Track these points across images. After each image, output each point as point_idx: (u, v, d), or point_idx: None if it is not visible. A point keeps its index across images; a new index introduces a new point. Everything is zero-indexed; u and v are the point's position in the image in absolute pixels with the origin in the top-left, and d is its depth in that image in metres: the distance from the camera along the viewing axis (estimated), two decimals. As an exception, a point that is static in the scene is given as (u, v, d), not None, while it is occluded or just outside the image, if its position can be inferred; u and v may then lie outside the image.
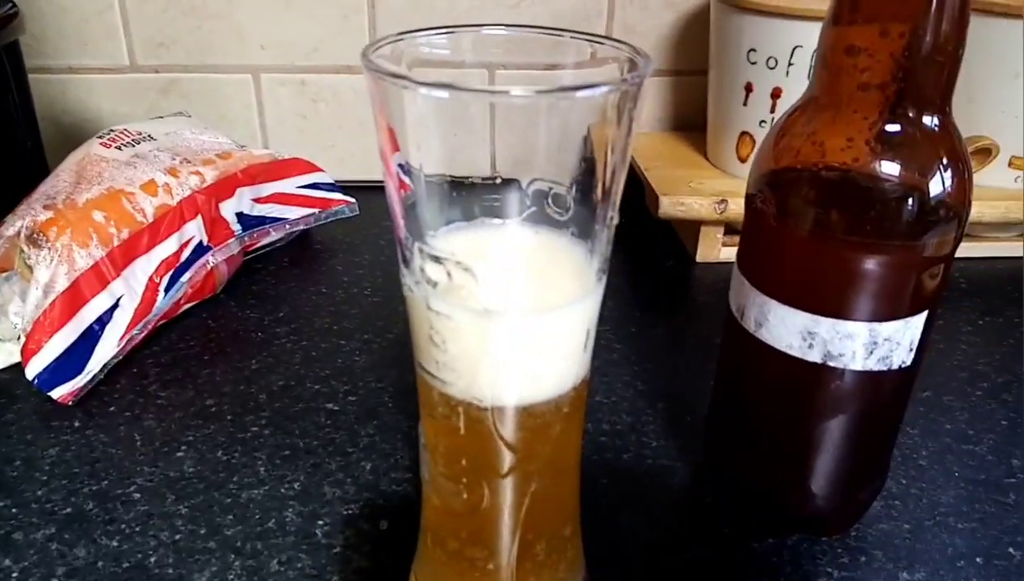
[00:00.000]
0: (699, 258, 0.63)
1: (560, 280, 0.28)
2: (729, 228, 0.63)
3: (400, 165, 0.27)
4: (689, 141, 0.71)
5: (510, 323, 0.26)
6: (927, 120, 0.31)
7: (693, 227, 0.63)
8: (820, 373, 0.34)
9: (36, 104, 0.71)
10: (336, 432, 0.45)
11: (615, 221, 0.27)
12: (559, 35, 0.29)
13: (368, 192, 0.68)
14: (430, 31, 0.29)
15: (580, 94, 0.23)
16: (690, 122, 0.74)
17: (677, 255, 0.65)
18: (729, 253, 0.63)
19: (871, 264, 0.32)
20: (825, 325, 0.33)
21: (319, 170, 0.65)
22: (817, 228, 0.32)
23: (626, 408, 0.47)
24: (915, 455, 0.45)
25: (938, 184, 0.31)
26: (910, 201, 0.31)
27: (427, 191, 0.28)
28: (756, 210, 0.35)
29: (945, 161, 0.32)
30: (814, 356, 0.34)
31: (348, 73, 0.71)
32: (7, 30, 0.46)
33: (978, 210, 0.52)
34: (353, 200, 0.66)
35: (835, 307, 0.33)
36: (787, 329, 0.34)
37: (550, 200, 0.28)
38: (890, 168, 0.31)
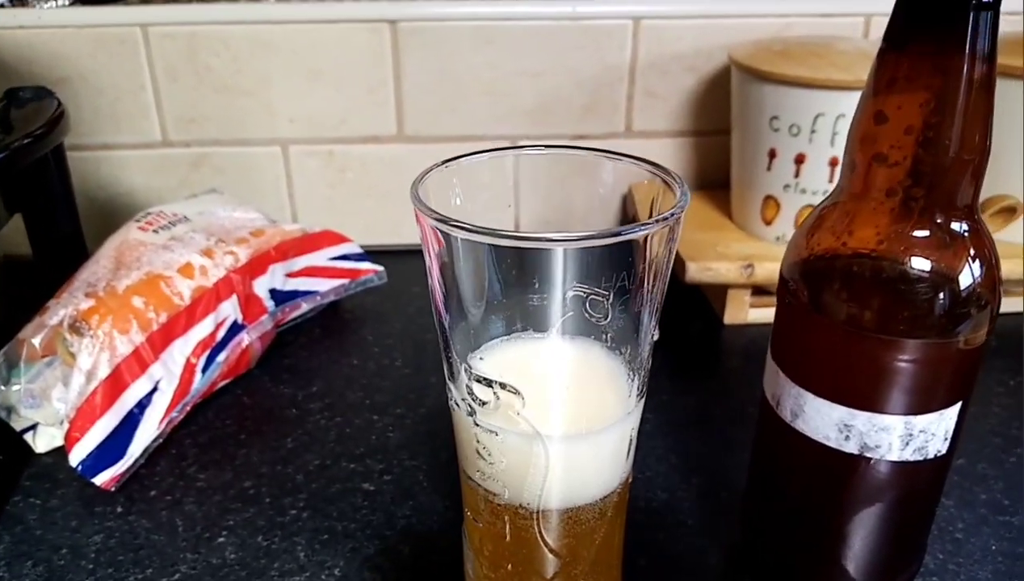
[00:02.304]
0: (727, 320, 0.63)
1: (603, 401, 0.29)
2: (756, 290, 0.63)
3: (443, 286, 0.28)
4: (712, 201, 0.72)
5: (556, 441, 0.27)
6: (956, 220, 0.32)
7: (720, 290, 0.63)
8: (857, 463, 0.35)
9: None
10: (373, 514, 0.46)
11: (655, 337, 0.28)
12: (598, 156, 0.30)
13: (396, 257, 0.70)
14: (473, 155, 0.30)
15: (623, 237, 0.24)
16: (712, 181, 0.75)
17: (705, 317, 0.65)
18: (757, 314, 0.63)
19: (905, 360, 0.32)
20: (861, 418, 0.33)
21: (348, 241, 0.66)
22: (850, 324, 0.33)
23: (661, 484, 0.47)
24: (951, 528, 0.45)
25: (968, 277, 0.32)
26: (942, 298, 0.32)
27: (469, 286, 0.28)
28: (789, 300, 0.35)
29: (973, 253, 0.32)
30: (851, 448, 0.34)
31: (375, 143, 0.73)
32: (55, 133, 0.48)
33: (1006, 268, 0.52)
34: (382, 268, 0.67)
35: (871, 401, 0.33)
36: (823, 421, 0.34)
37: (588, 305, 0.29)
38: (921, 265, 0.32)
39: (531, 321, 0.30)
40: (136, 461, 0.48)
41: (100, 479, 0.47)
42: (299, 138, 0.73)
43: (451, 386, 0.28)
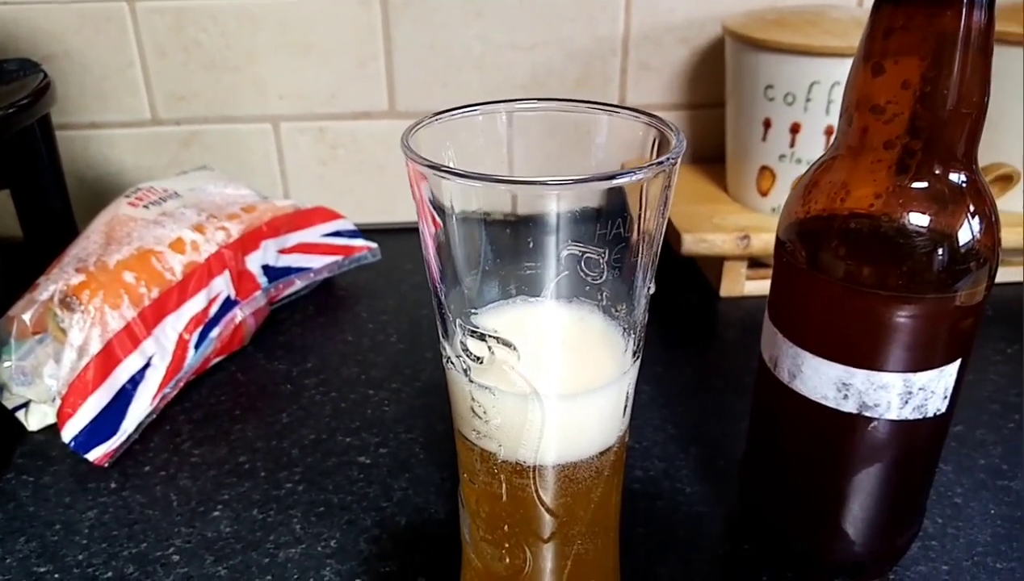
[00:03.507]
0: (723, 293, 0.63)
1: (599, 359, 0.28)
2: (752, 262, 0.63)
3: (438, 242, 0.27)
4: (707, 174, 0.72)
5: (551, 398, 0.26)
6: (954, 172, 0.31)
7: (716, 262, 0.63)
8: (855, 423, 0.34)
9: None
10: (369, 486, 0.45)
11: (651, 290, 0.27)
12: (592, 109, 0.29)
13: (388, 235, 0.70)
14: (465, 109, 0.30)
15: (617, 181, 0.24)
16: (707, 154, 0.75)
17: (700, 290, 0.65)
18: (753, 287, 0.63)
19: (904, 316, 0.32)
20: (860, 377, 0.33)
21: (340, 217, 0.66)
22: (848, 281, 0.32)
23: (658, 453, 0.47)
24: (950, 493, 0.45)
25: (967, 234, 0.31)
26: (940, 253, 0.31)
27: (463, 254, 0.28)
28: (786, 259, 0.35)
29: (973, 210, 0.32)
30: (849, 407, 0.34)
31: (366, 119, 0.72)
32: (40, 104, 0.47)
33: (1006, 237, 0.52)
34: (375, 245, 0.66)
35: (869, 359, 0.33)
36: (821, 380, 0.34)
37: (583, 264, 0.29)
38: (919, 221, 0.31)
39: (526, 285, 0.29)
40: (129, 437, 0.48)
41: (93, 455, 0.46)
42: (290, 115, 0.72)
43: (445, 344, 0.28)
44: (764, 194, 0.63)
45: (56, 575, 0.40)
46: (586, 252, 0.28)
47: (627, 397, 0.29)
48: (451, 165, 0.30)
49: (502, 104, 0.30)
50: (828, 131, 0.59)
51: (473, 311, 0.27)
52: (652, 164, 0.24)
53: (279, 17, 0.68)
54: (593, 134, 0.32)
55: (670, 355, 0.57)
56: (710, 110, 0.73)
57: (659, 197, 0.26)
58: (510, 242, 0.28)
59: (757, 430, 0.40)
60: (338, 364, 0.56)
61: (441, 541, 0.41)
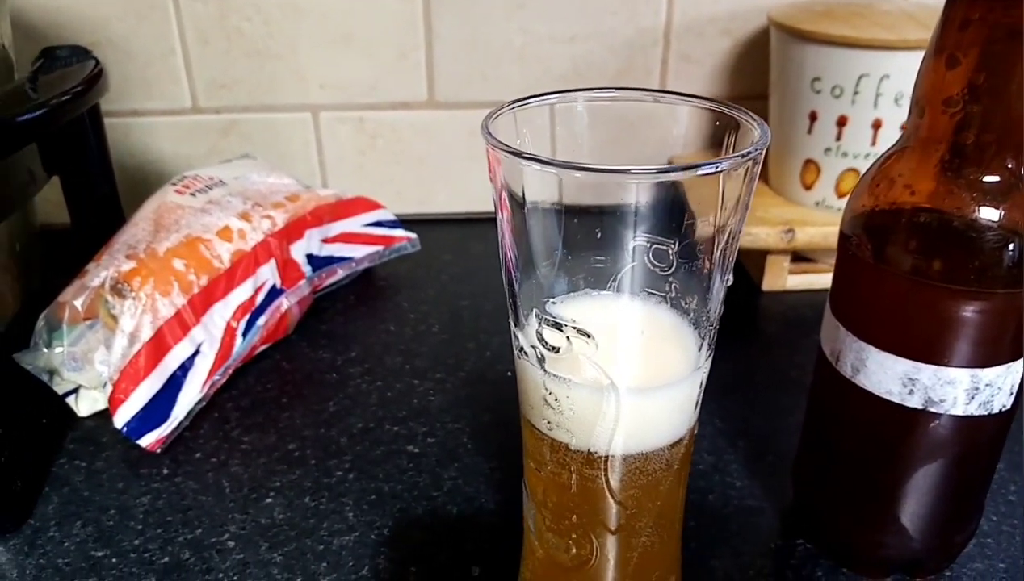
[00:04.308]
0: (766, 287, 0.63)
1: (673, 353, 0.28)
2: (796, 256, 0.63)
3: (513, 232, 0.27)
4: (747, 167, 0.71)
5: (627, 390, 0.26)
6: (1030, 166, 0.31)
7: (759, 256, 0.62)
8: (919, 418, 0.34)
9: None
10: (419, 475, 0.45)
11: (729, 282, 0.27)
12: (671, 99, 0.29)
13: (427, 226, 0.70)
14: (544, 96, 0.30)
15: (701, 172, 0.24)
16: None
17: (742, 283, 0.64)
18: (796, 281, 0.63)
19: (973, 312, 0.31)
20: (926, 372, 0.33)
21: (381, 207, 0.66)
22: (917, 275, 0.32)
23: (707, 447, 0.47)
24: (1004, 490, 0.44)
25: (1040, 228, 0.31)
26: (1011, 248, 0.31)
27: (539, 242, 0.28)
28: (851, 252, 0.35)
29: (1046, 204, 0.31)
30: (914, 402, 0.34)
31: (405, 109, 0.72)
32: (93, 91, 0.48)
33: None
34: (415, 236, 0.66)
35: (937, 354, 0.33)
36: (886, 375, 0.34)
37: (651, 255, 0.28)
38: (990, 215, 0.31)
39: (593, 276, 0.29)
40: (180, 423, 0.48)
41: (145, 441, 0.47)
42: (329, 104, 0.72)
43: (517, 334, 0.28)
44: (808, 188, 0.63)
45: (113, 559, 0.40)
46: (655, 243, 0.28)
47: (700, 390, 0.28)
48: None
49: (579, 92, 0.30)
50: (876, 125, 0.58)
51: (551, 300, 0.27)
52: (737, 156, 0.24)
53: (321, 7, 0.68)
54: (666, 124, 0.32)
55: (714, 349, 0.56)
56: (752, 102, 0.73)
57: (740, 189, 0.26)
58: (581, 231, 0.28)
59: (814, 424, 0.40)
60: (381, 353, 0.57)
61: (493, 530, 0.42)
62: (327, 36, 0.69)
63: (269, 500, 0.44)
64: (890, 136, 0.58)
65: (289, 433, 0.49)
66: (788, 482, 0.43)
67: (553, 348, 0.26)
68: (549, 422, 0.28)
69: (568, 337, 0.26)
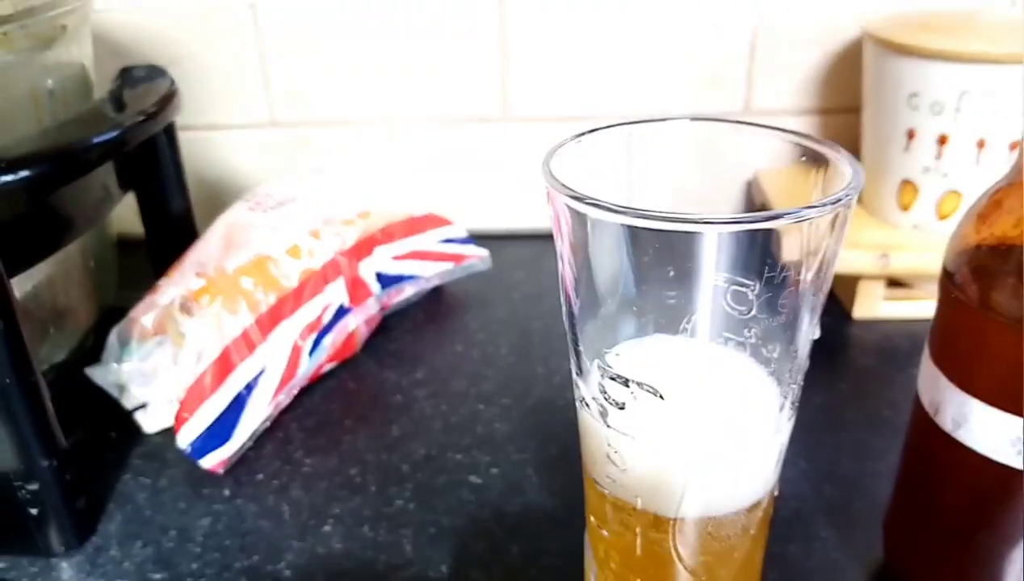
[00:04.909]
0: (856, 315, 0.59)
1: (751, 416, 0.26)
2: (890, 281, 0.59)
3: (575, 277, 0.25)
4: (838, 185, 0.67)
5: (697, 450, 0.24)
6: None
7: (850, 281, 0.59)
8: (1031, 482, 0.30)
9: (183, 162, 0.74)
10: (480, 509, 0.44)
11: (816, 335, 0.25)
12: (753, 131, 0.27)
13: (499, 242, 0.68)
14: (610, 128, 0.27)
15: (783, 222, 0.21)
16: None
17: (832, 310, 0.61)
18: (890, 309, 0.59)
19: (1100, 367, 0.28)
20: (1041, 432, 0.29)
21: (452, 224, 0.65)
22: (1032, 322, 0.29)
23: (790, 491, 0.44)
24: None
25: None
26: None
27: (602, 282, 0.26)
28: (954, 293, 0.31)
29: None
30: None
31: (480, 123, 0.71)
32: (167, 111, 0.48)
33: None
34: (486, 253, 0.65)
35: (1053, 411, 0.29)
36: (993, 433, 0.30)
37: (729, 298, 0.26)
38: (1123, 258, 0.27)
39: (664, 318, 0.27)
40: (244, 444, 0.48)
41: (208, 461, 0.46)
42: (405, 118, 0.71)
43: (579, 383, 0.26)
44: (905, 209, 0.58)
45: (170, 584, 0.40)
46: (733, 284, 0.25)
47: (780, 453, 0.26)
48: (586, 177, 0.28)
49: (640, 124, 0.28)
50: (980, 144, 0.54)
51: (614, 352, 0.25)
52: (825, 203, 0.22)
53: (397, 23, 0.67)
54: (748, 150, 0.30)
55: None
56: (843, 116, 0.69)
57: (828, 233, 0.23)
58: (650, 268, 0.26)
59: (908, 481, 0.36)
60: (448, 376, 0.55)
61: (556, 575, 0.39)
62: (402, 51, 0.69)
63: (328, 528, 0.43)
64: (995, 157, 0.54)
65: (351, 457, 0.48)
66: (878, 536, 0.39)
67: (617, 404, 0.24)
68: (612, 479, 0.26)
69: (633, 394, 0.24)
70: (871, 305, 0.58)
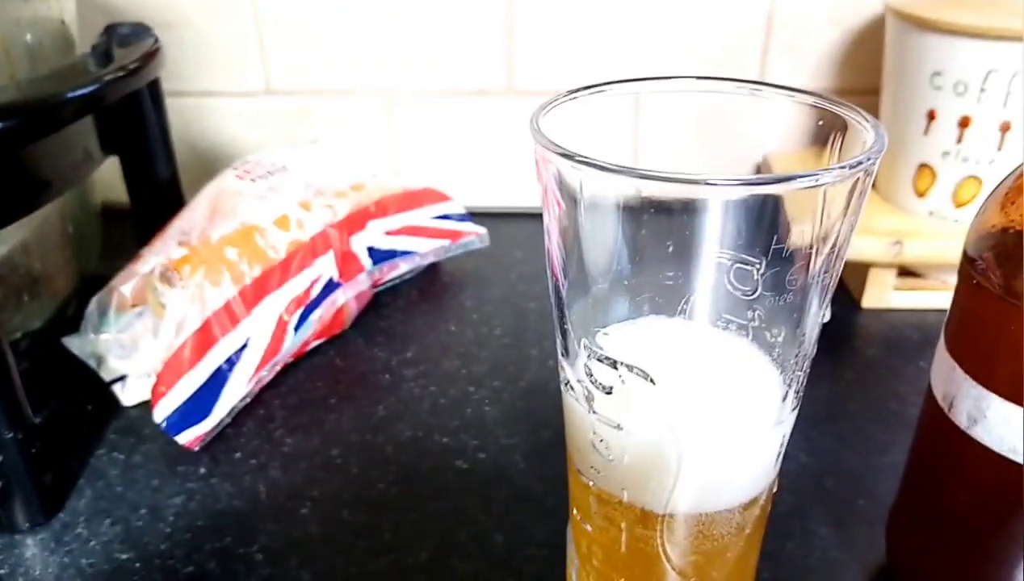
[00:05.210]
0: (865, 304, 0.57)
1: (751, 403, 0.23)
2: (902, 270, 0.56)
3: (563, 245, 0.23)
4: (851, 170, 0.65)
5: (690, 441, 0.22)
6: None
7: (860, 269, 0.56)
8: (1051, 484, 0.28)
9: (172, 129, 0.72)
10: (465, 496, 0.42)
11: (826, 318, 0.22)
12: (768, 92, 0.24)
13: (498, 220, 0.66)
14: (606, 85, 0.25)
15: (797, 185, 0.19)
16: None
17: (840, 298, 0.58)
18: (901, 299, 0.56)
19: None
20: (1065, 431, 0.27)
21: (449, 200, 0.62)
22: (1059, 313, 0.26)
23: (789, 485, 0.42)
24: None
25: None
26: None
27: (593, 254, 0.24)
28: (976, 279, 0.29)
29: None
30: (1046, 465, 0.28)
31: (483, 96, 0.69)
32: (149, 68, 0.46)
33: None
34: (484, 230, 0.63)
35: (1079, 409, 0.27)
36: (1010, 430, 0.28)
37: (732, 276, 0.24)
38: None
39: (661, 297, 0.25)
40: (222, 421, 0.46)
41: (184, 438, 0.44)
42: (405, 90, 0.69)
43: (564, 365, 0.24)
44: (921, 195, 0.56)
45: (137, 564, 0.38)
46: (737, 261, 0.23)
47: (781, 446, 0.24)
48: (583, 150, 0.26)
49: (639, 82, 0.25)
50: (1004, 127, 0.51)
51: (602, 331, 0.23)
52: (844, 165, 0.19)
53: (399, -14, 0.65)
54: (761, 119, 0.27)
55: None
56: (862, 97, 0.66)
57: (846, 205, 0.21)
58: (647, 243, 0.24)
59: (917, 475, 0.34)
60: (439, 355, 0.53)
61: (542, 566, 0.37)
62: (405, 18, 0.66)
63: (305, 511, 0.41)
64: (1019, 141, 0.51)
65: (334, 437, 0.46)
66: (880, 534, 0.37)
67: (604, 388, 0.22)
68: (597, 470, 0.24)
69: (621, 377, 0.22)
70: (881, 294, 0.56)
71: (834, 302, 0.57)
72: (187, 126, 0.71)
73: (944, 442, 0.31)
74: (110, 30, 0.50)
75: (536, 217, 0.72)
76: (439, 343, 0.54)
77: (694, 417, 0.22)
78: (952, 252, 0.54)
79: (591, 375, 0.22)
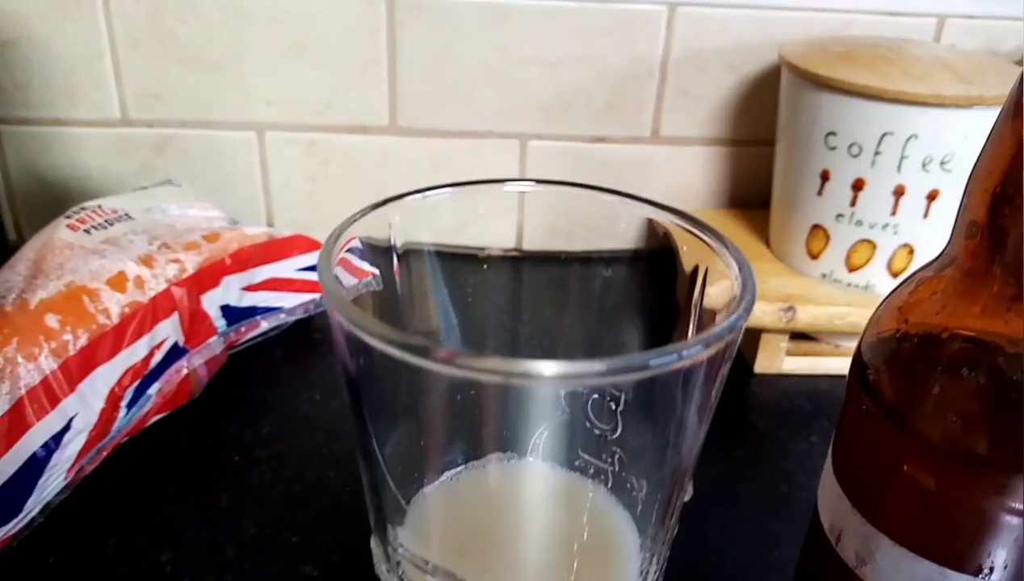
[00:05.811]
0: (758, 369, 0.54)
1: (600, 569, 0.19)
2: (795, 334, 0.54)
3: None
4: (748, 223, 0.62)
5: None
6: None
7: (752, 333, 0.54)
8: (944, 635, 0.25)
9: (17, 159, 0.64)
10: (313, 609, 0.37)
11: (687, 496, 0.19)
12: (630, 203, 0.21)
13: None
14: (433, 190, 0.21)
15: (651, 371, 0.15)
16: (749, 199, 0.66)
17: (733, 362, 0.56)
18: (794, 364, 0.54)
19: (1033, 513, 0.23)
20: (958, 583, 0.24)
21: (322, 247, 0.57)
22: (953, 449, 0.23)
23: (670, 589, 0.38)
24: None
25: None
26: (1094, 430, 0.22)
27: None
28: (863, 397, 0.26)
29: None
30: (939, 616, 0.25)
31: (363, 133, 0.64)
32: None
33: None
34: (376, 272, 0.57)
35: (973, 559, 0.24)
36: (902, 577, 0.25)
37: (590, 408, 0.20)
38: (1068, 381, 0.22)
39: (503, 435, 0.21)
40: (34, 520, 0.40)
41: (-16, 542, 0.38)
42: (277, 123, 0.63)
43: (375, 544, 0.19)
44: (814, 257, 0.54)
45: None
46: (595, 392, 0.19)
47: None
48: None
49: (499, 184, 0.21)
50: (898, 192, 0.50)
51: (430, 486, 0.19)
52: (703, 339, 0.15)
53: (269, 11, 0.59)
54: (619, 223, 0.24)
55: (692, 447, 0.47)
56: (756, 148, 0.64)
57: (711, 371, 0.17)
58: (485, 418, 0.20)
59: (804, 606, 0.31)
60: (298, 430, 0.48)
61: None
62: (275, 45, 0.61)
63: (119, 636, 0.35)
64: (914, 206, 0.50)
65: (165, 537, 0.40)
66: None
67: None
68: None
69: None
70: (773, 360, 0.54)
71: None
72: (34, 157, 0.64)
73: (829, 577, 0.28)
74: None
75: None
76: (300, 415, 0.49)
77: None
78: (845, 318, 0.51)
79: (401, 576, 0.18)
